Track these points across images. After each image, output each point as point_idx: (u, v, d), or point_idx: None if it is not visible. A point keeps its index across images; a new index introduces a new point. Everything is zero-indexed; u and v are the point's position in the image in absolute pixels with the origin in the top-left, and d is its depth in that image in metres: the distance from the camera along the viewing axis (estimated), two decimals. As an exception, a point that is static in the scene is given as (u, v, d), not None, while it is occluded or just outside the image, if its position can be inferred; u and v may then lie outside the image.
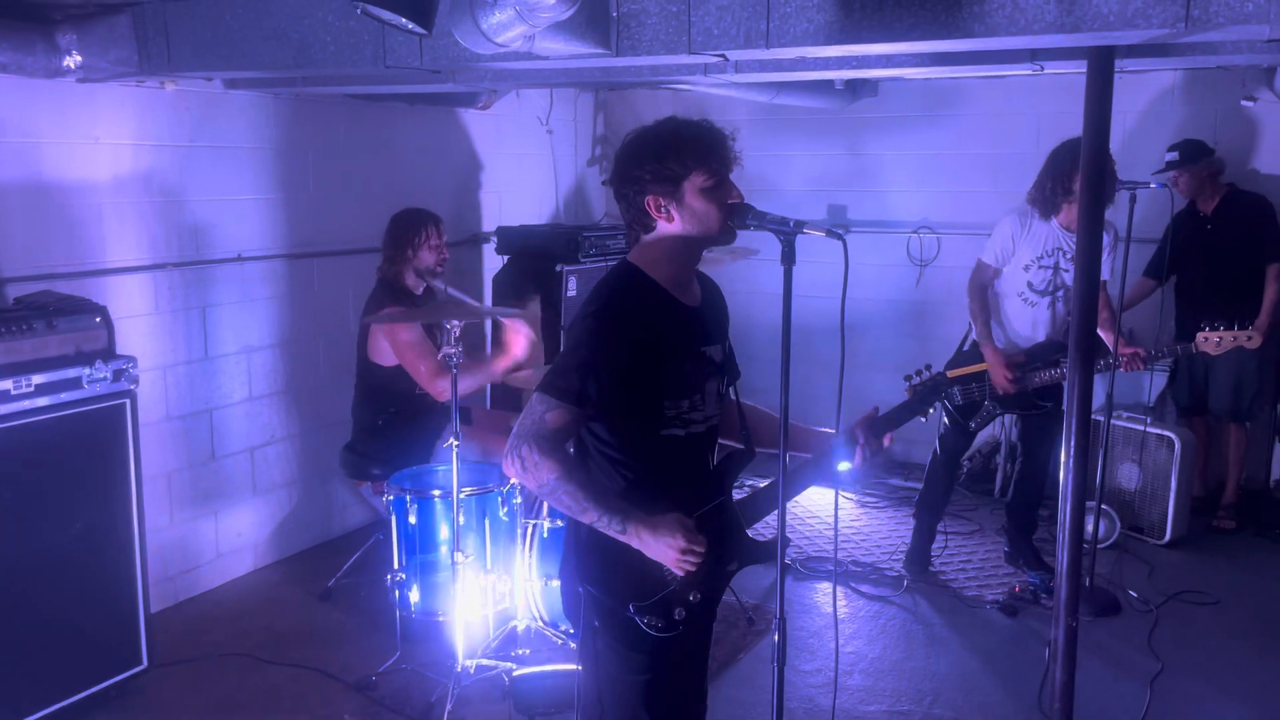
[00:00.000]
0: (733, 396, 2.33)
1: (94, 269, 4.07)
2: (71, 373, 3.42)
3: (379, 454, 4.36)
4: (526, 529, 3.94)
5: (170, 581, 4.47)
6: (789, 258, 2.06)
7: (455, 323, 3.63)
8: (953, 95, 6.05)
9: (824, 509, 5.54)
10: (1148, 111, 5.61)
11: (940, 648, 4.11)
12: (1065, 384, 3.02)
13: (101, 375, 3.50)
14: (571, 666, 3.57)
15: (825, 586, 4.67)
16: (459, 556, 3.69)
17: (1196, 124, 5.48)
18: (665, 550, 2.05)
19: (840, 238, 2.05)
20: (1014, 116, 5.86)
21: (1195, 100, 5.52)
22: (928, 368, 2.63)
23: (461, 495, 3.74)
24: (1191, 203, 5.25)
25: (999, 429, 5.76)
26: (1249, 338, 4.26)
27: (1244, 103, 5.39)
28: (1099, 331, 4.15)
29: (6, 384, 3.25)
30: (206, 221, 4.52)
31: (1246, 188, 5.29)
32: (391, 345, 4.20)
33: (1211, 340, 4.28)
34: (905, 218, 6.23)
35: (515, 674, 3.61)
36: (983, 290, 4.45)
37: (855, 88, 5.87)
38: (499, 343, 4.23)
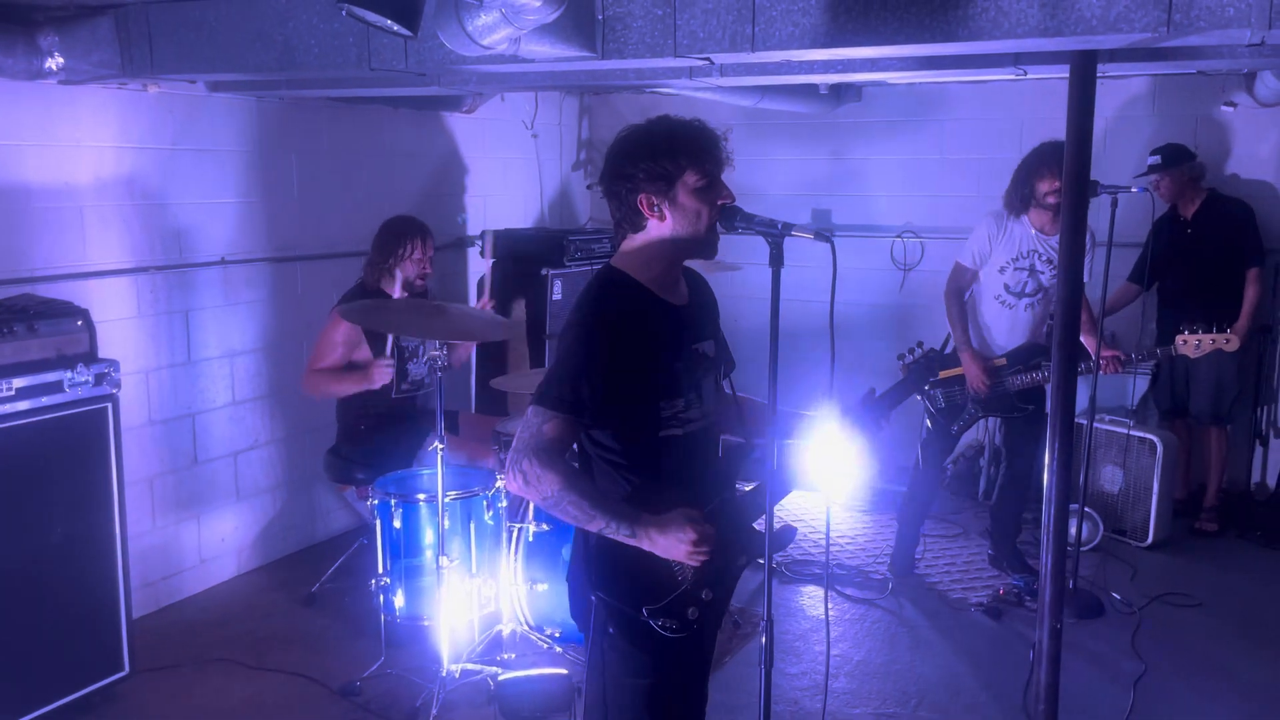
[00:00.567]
0: (728, 390, 2.32)
1: (76, 272, 4.04)
2: (53, 376, 3.39)
3: (363, 458, 4.34)
4: (512, 533, 3.94)
5: (152, 587, 4.44)
6: (777, 260, 2.07)
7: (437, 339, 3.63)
8: (936, 100, 6.08)
9: (810, 513, 5.55)
10: (1128, 117, 5.65)
11: (925, 650, 4.12)
12: (1048, 387, 3.03)
13: (83, 379, 3.47)
14: (557, 670, 3.57)
15: (810, 590, 4.68)
16: (444, 561, 3.68)
17: (1177, 129, 5.52)
18: (677, 546, 2.04)
19: (828, 240, 2.05)
20: (997, 122, 5.90)
21: (1176, 106, 5.57)
22: (919, 345, 2.65)
23: (447, 499, 3.73)
24: (1173, 207, 5.29)
25: (982, 432, 5.78)
26: (1227, 340, 4.30)
27: (1224, 108, 5.44)
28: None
29: (-13, 388, 3.23)
30: (189, 225, 4.49)
31: (1226, 193, 5.34)
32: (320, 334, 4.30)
33: (1190, 343, 4.31)
34: (889, 222, 6.26)
35: (500, 678, 3.60)
36: (960, 294, 4.47)
37: (839, 93, 5.89)
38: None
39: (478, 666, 3.73)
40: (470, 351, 4.59)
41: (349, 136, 5.19)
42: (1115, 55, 3.20)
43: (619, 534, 2.05)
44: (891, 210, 6.26)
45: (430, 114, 5.68)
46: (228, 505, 4.79)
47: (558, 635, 3.89)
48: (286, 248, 4.92)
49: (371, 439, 4.35)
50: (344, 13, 2.45)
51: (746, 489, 2.28)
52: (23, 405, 3.31)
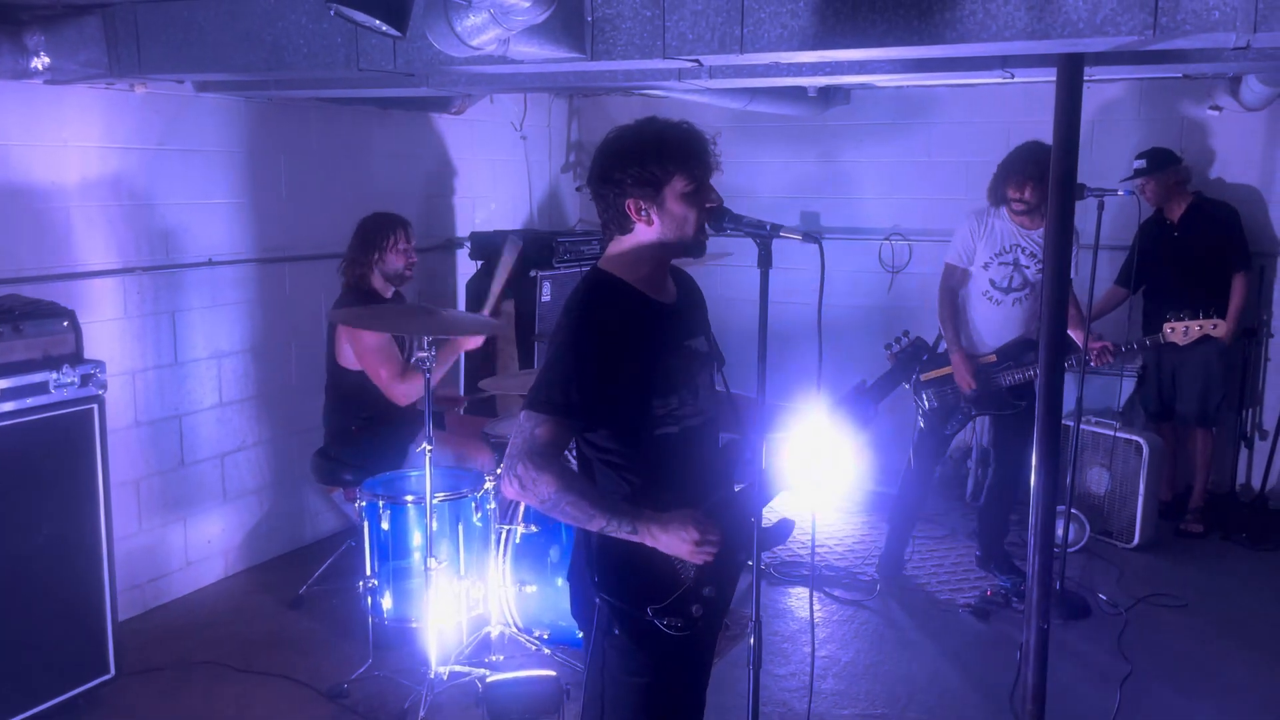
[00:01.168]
0: (722, 385, 2.32)
1: (61, 273, 4.02)
2: (38, 377, 3.37)
3: (351, 460, 4.33)
4: (500, 534, 3.93)
5: (139, 589, 4.41)
6: (765, 261, 2.08)
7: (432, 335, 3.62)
8: (924, 104, 6.10)
9: (798, 514, 5.54)
10: (1114, 120, 5.68)
11: (913, 651, 4.13)
12: (1037, 385, 3.04)
13: (69, 380, 3.45)
14: (546, 673, 3.56)
15: (799, 591, 4.68)
16: (432, 562, 3.67)
17: (1162, 133, 5.55)
18: (679, 543, 2.04)
19: (817, 241, 2.06)
20: (984, 125, 5.92)
21: (1161, 109, 5.60)
22: (906, 334, 2.65)
23: (435, 501, 3.72)
24: (1159, 211, 5.32)
25: (970, 433, 5.80)
26: (1214, 326, 4.32)
27: (1209, 112, 5.47)
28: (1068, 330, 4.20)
29: (-29, 389, 3.21)
30: (176, 225, 4.48)
31: (1213, 196, 5.37)
32: (354, 348, 4.19)
33: (1179, 330, 4.34)
34: (877, 224, 6.28)
35: (489, 680, 3.59)
36: (952, 293, 4.49)
37: (828, 96, 5.91)
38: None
39: (466, 668, 3.72)
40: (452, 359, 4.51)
41: (337, 137, 5.18)
42: (1102, 58, 3.21)
43: (620, 531, 2.05)
44: (880, 212, 6.28)
45: (419, 115, 5.67)
46: (215, 507, 4.77)
47: (546, 637, 3.89)
48: (274, 249, 4.90)
49: (361, 440, 4.34)
50: (332, 13, 2.45)
51: (741, 487, 2.29)
52: (8, 406, 3.29)
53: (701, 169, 2.11)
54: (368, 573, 3.91)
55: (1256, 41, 2.31)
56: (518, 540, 3.90)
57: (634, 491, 2.15)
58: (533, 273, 5.52)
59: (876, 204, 6.30)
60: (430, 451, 3.64)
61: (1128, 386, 5.64)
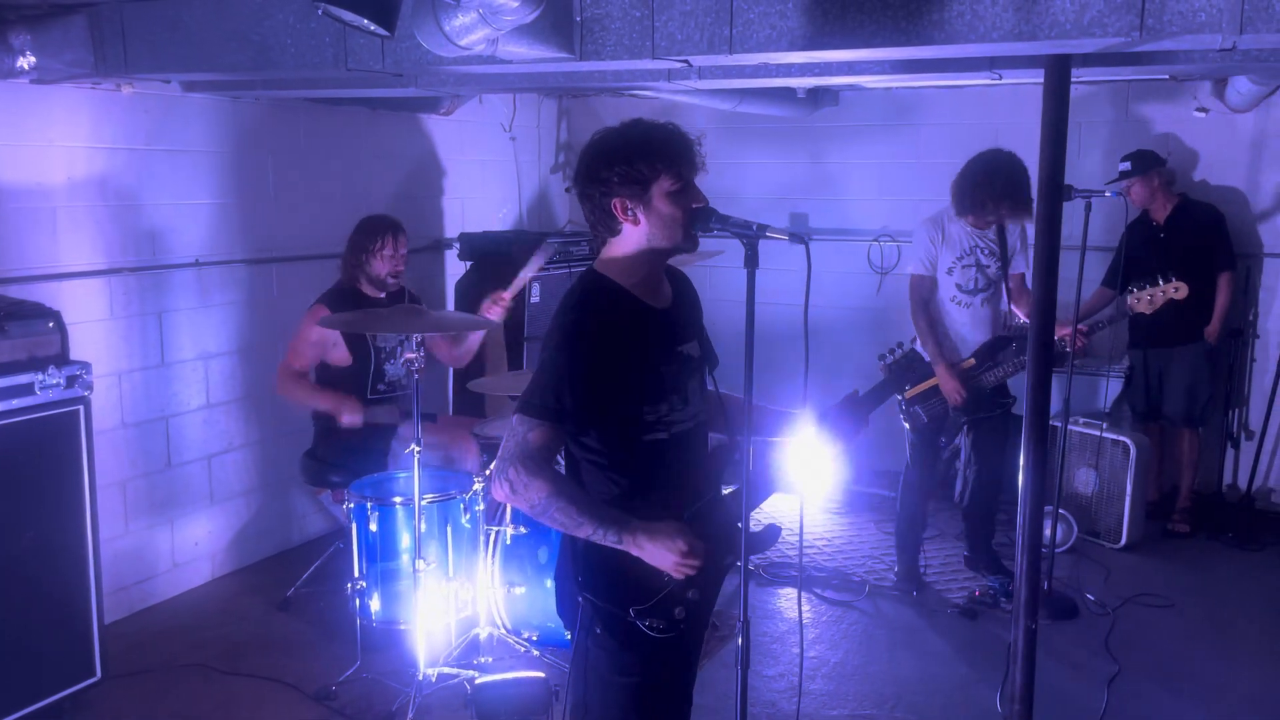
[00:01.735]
0: (712, 387, 2.32)
1: (47, 273, 4.00)
2: (23, 379, 3.34)
3: (339, 461, 4.32)
4: (489, 536, 3.92)
5: (125, 592, 4.39)
6: (752, 261, 2.07)
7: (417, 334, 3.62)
8: (912, 105, 6.12)
9: (787, 515, 5.55)
10: (1101, 122, 5.70)
11: (902, 652, 4.14)
12: (1023, 388, 3.05)
13: (54, 381, 3.43)
14: (535, 674, 3.55)
15: (787, 592, 4.69)
16: (420, 564, 3.66)
17: (1149, 135, 5.58)
18: (665, 555, 2.04)
19: (803, 241, 2.06)
20: (971, 127, 5.93)
21: (1149, 111, 5.62)
22: (899, 345, 2.66)
23: (423, 502, 3.71)
24: (1144, 212, 5.34)
25: (960, 435, 5.80)
26: (1175, 289, 4.35)
27: (1195, 114, 5.50)
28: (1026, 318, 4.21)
29: (-44, 390, 3.18)
30: (163, 226, 4.46)
31: (1198, 197, 5.40)
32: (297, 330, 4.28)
33: (1143, 299, 4.38)
34: (866, 226, 6.28)
35: (477, 682, 3.58)
36: (926, 306, 4.45)
37: (816, 97, 5.92)
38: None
39: (454, 670, 3.71)
40: (467, 347, 4.56)
41: (326, 138, 5.16)
42: (1089, 60, 3.22)
43: (606, 540, 2.05)
44: (868, 214, 6.29)
45: (407, 116, 5.66)
46: (202, 509, 4.74)
47: (535, 638, 3.88)
48: (262, 249, 4.88)
49: (347, 441, 4.32)
50: (320, 12, 2.44)
51: (730, 490, 2.28)
52: (-7, 407, 3.27)
53: (688, 168, 2.11)
54: (356, 574, 3.89)
55: (1242, 43, 2.33)
56: (506, 542, 3.90)
57: (622, 494, 2.15)
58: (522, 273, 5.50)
59: (865, 205, 6.31)
60: (418, 453, 3.63)
61: (1115, 387, 5.65)
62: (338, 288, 4.39)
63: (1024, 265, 4.45)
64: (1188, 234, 5.23)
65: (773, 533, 2.25)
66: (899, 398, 4.53)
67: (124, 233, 4.30)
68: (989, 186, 4.29)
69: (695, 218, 2.12)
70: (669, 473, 2.18)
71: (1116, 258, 5.36)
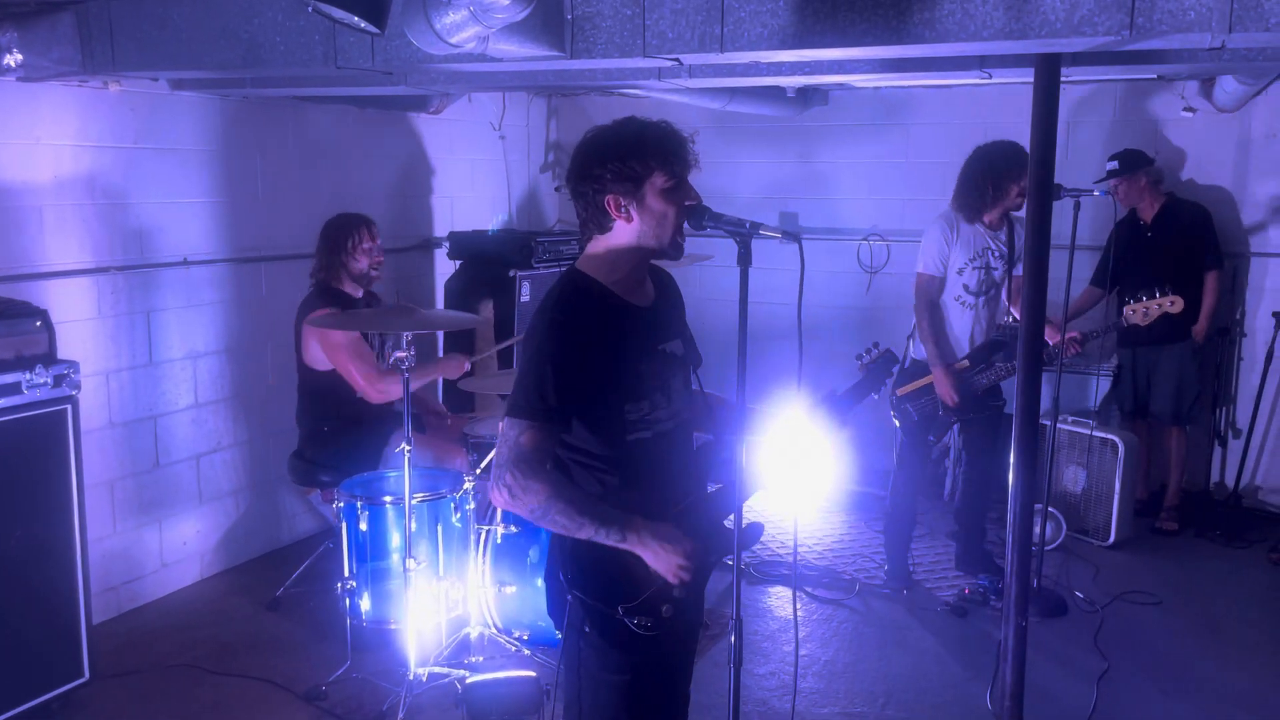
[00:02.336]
0: (696, 386, 2.32)
1: (34, 272, 3.98)
2: (11, 378, 3.32)
3: (327, 461, 4.31)
4: (480, 535, 3.91)
5: (113, 592, 4.37)
6: (745, 259, 2.08)
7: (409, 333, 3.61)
8: (902, 104, 6.13)
9: (778, 513, 5.56)
10: (1091, 122, 5.72)
11: (892, 650, 4.14)
12: (1012, 387, 3.06)
13: (42, 380, 3.41)
14: (526, 673, 3.55)
15: (778, 590, 4.69)
16: (411, 563, 3.65)
17: (1137, 134, 5.61)
18: (668, 559, 2.04)
19: (796, 239, 2.06)
20: (960, 127, 5.94)
21: (1136, 111, 5.65)
22: (875, 345, 2.65)
23: (414, 501, 3.70)
24: (1132, 211, 5.36)
25: (948, 434, 5.82)
26: (1171, 303, 4.37)
27: (1183, 113, 5.53)
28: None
29: (-58, 389, 3.17)
30: (151, 224, 4.43)
31: (1185, 197, 5.42)
32: (324, 349, 4.18)
33: (1139, 311, 4.39)
34: (856, 225, 6.30)
35: (468, 681, 3.58)
36: (933, 307, 4.43)
37: (806, 96, 5.92)
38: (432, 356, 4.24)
39: (445, 670, 3.70)
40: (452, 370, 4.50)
41: (314, 137, 5.15)
42: (1078, 59, 3.24)
43: (608, 539, 2.04)
44: (858, 213, 6.31)
45: (397, 114, 5.65)
46: (190, 509, 4.72)
47: (526, 638, 3.87)
48: (251, 248, 4.87)
49: (337, 441, 4.31)
50: (310, 9, 2.43)
51: (714, 488, 2.29)
52: (-21, 407, 3.25)
53: (681, 165, 2.12)
54: (346, 574, 3.88)
55: (1231, 42, 2.34)
56: (497, 541, 3.89)
57: (607, 493, 2.15)
58: (512, 273, 5.50)
59: (855, 204, 6.32)
60: (409, 452, 3.62)
61: (1103, 385, 5.68)
62: (322, 291, 4.34)
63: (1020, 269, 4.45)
64: (1175, 233, 5.25)
65: (756, 530, 2.24)
66: (893, 394, 4.53)
67: (112, 231, 4.27)
68: (1008, 171, 4.26)
69: (688, 215, 2.12)
70: (653, 471, 2.17)
71: (1104, 257, 5.39)
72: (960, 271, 4.41)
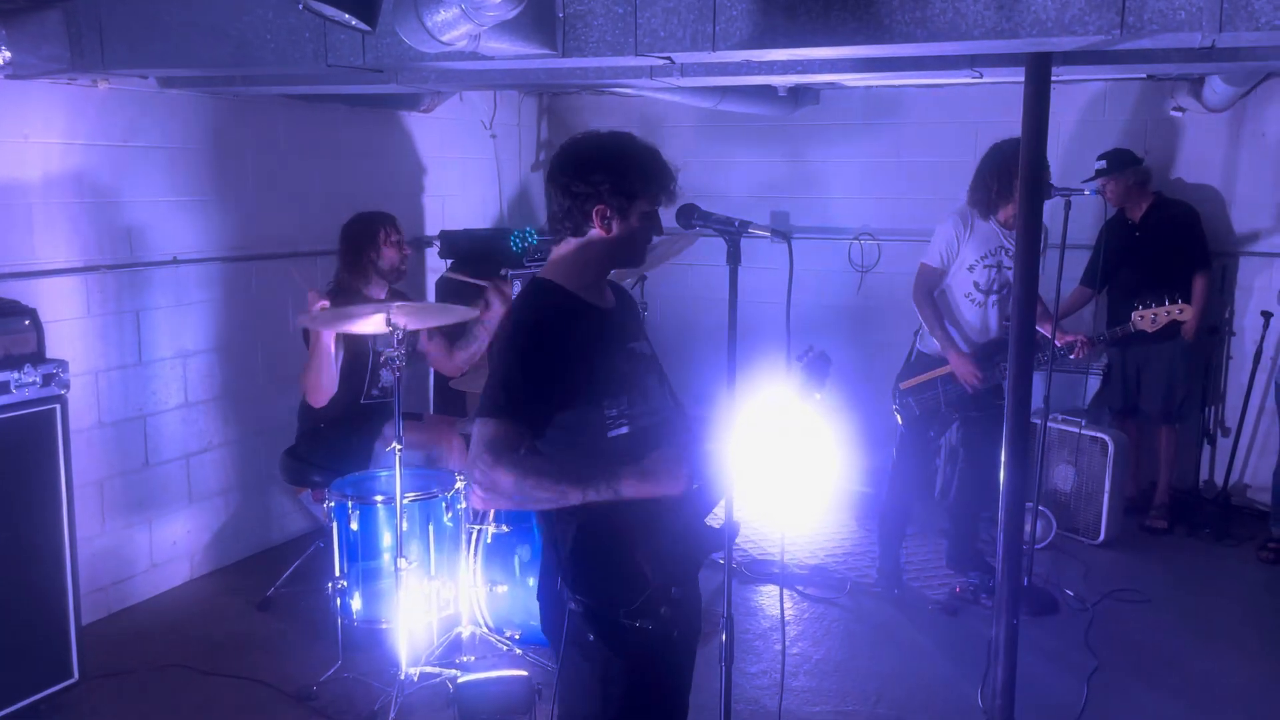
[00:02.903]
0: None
1: (22, 270, 3.95)
2: (-1, 377, 3.32)
3: (320, 460, 4.30)
4: (471, 534, 3.91)
5: (102, 592, 4.35)
6: (734, 258, 2.09)
7: (399, 328, 3.60)
8: (892, 104, 6.14)
9: (769, 511, 5.57)
10: (1083, 121, 5.74)
11: (884, 648, 4.15)
12: (1006, 383, 3.07)
13: (30, 380, 3.39)
14: (517, 673, 3.54)
15: (770, 589, 4.69)
16: (402, 563, 3.64)
17: (1129, 134, 5.63)
18: (671, 479, 2.00)
19: (785, 238, 2.07)
20: (952, 126, 5.97)
21: (1127, 110, 5.67)
22: (810, 348, 2.63)
23: (405, 501, 3.69)
24: (1121, 211, 5.38)
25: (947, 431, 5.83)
26: (1180, 311, 4.38)
27: (1173, 113, 5.55)
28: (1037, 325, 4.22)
29: (-70, 388, 3.15)
30: (140, 223, 4.42)
31: (1175, 196, 5.44)
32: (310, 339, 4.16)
33: (1147, 318, 4.39)
34: (847, 224, 6.31)
35: (460, 681, 3.56)
36: (930, 295, 4.43)
37: (798, 96, 5.93)
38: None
39: (436, 669, 3.70)
40: (470, 354, 4.47)
41: (305, 135, 5.13)
42: (1069, 58, 3.24)
43: (601, 495, 1.99)
44: (849, 212, 6.31)
45: (388, 113, 5.63)
46: (180, 508, 4.71)
47: (517, 637, 3.87)
48: (240, 247, 4.85)
49: (327, 438, 4.30)
50: (300, 6, 2.42)
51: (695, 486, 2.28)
52: (-33, 406, 3.24)
53: (667, 197, 2.18)
54: (337, 574, 3.87)
55: (1221, 41, 2.34)
56: (489, 540, 3.89)
57: None
58: (503, 272, 5.49)
59: (846, 204, 6.33)
60: (400, 451, 3.61)
61: (1093, 384, 5.70)
62: (342, 290, 4.30)
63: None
64: (1163, 233, 5.27)
65: (732, 530, 2.22)
66: (896, 387, 4.53)
67: (101, 230, 4.26)
68: (1015, 168, 4.23)
69: (679, 213, 2.15)
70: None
71: (1094, 257, 5.40)
72: (970, 269, 4.39)
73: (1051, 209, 4.12)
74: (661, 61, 2.96)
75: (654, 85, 4.25)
